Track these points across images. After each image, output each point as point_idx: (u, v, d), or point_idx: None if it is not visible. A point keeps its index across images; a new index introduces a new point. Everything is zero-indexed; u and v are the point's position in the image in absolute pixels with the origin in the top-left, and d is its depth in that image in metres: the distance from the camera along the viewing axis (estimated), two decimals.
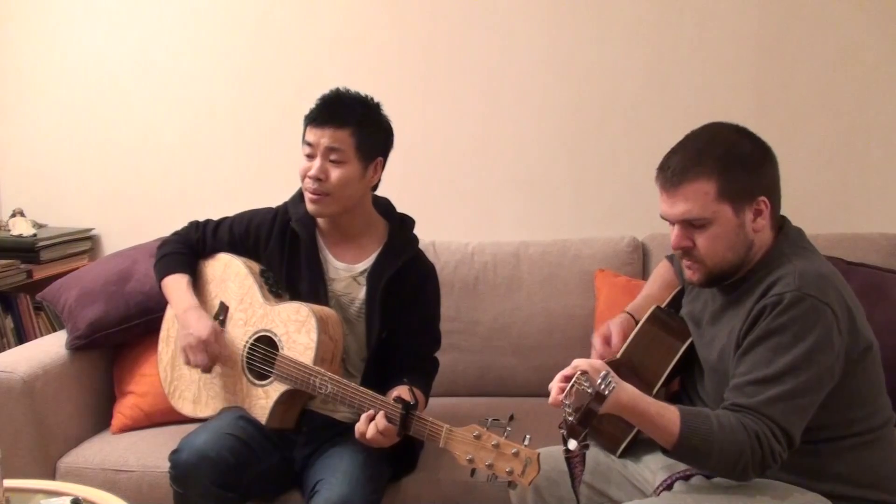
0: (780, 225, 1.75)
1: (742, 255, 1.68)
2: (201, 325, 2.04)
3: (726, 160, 1.65)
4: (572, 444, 1.53)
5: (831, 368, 1.61)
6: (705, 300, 1.82)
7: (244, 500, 2.01)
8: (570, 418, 1.55)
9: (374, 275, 2.10)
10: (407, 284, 2.11)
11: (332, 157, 2.02)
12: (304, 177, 2.05)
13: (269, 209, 2.23)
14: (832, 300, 1.60)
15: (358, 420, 1.90)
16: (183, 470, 1.92)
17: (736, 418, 1.59)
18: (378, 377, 2.06)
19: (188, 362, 2.06)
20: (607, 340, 1.94)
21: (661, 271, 2.09)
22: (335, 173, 2.02)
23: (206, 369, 2.05)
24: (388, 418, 1.85)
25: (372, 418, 1.87)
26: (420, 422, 1.83)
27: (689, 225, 1.68)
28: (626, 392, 1.59)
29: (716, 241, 1.67)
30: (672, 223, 1.71)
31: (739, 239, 1.67)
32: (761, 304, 1.62)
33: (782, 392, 1.58)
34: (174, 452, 1.95)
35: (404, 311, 2.10)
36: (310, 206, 2.07)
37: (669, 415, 1.60)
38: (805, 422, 1.61)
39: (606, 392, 1.53)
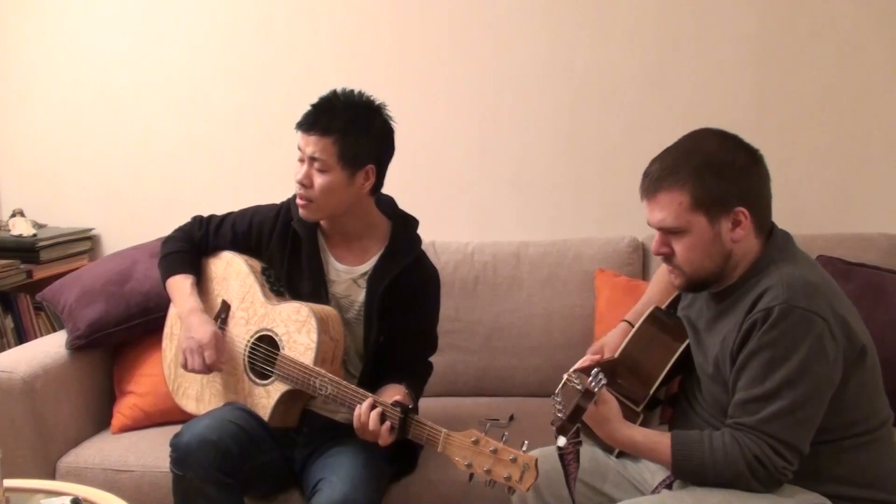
0: (770, 230, 1.73)
1: (721, 263, 1.68)
2: (203, 330, 2.04)
3: (702, 170, 1.64)
4: (561, 441, 1.56)
5: (829, 376, 1.61)
6: (700, 307, 1.82)
7: (243, 490, 1.99)
8: (560, 415, 1.56)
9: (374, 278, 2.08)
10: (407, 288, 2.09)
11: (316, 165, 2.00)
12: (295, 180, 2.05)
13: (271, 206, 2.22)
14: (821, 308, 1.59)
15: None
16: (183, 452, 1.90)
17: (732, 438, 1.61)
18: (375, 378, 2.05)
19: (184, 365, 2.06)
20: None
21: (660, 275, 2.07)
22: (318, 180, 2.00)
23: (202, 374, 2.06)
24: (391, 425, 1.85)
25: (373, 407, 1.86)
26: (419, 426, 1.82)
27: (667, 232, 1.68)
28: (622, 432, 1.69)
29: (692, 250, 1.67)
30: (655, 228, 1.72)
31: (716, 248, 1.67)
32: (751, 318, 1.62)
33: (781, 408, 1.59)
34: (175, 436, 1.94)
35: (403, 316, 2.08)
36: (299, 211, 2.07)
37: (662, 448, 1.67)
38: (812, 431, 1.61)
39: (596, 389, 1.55)
